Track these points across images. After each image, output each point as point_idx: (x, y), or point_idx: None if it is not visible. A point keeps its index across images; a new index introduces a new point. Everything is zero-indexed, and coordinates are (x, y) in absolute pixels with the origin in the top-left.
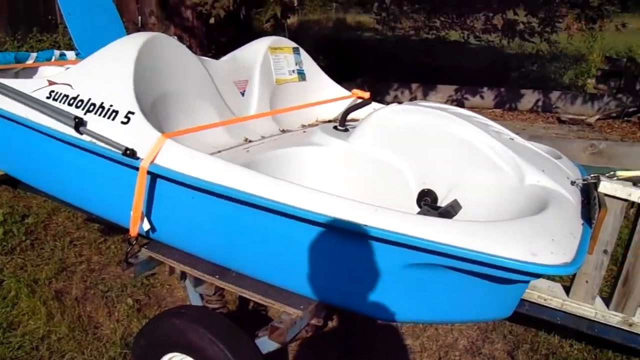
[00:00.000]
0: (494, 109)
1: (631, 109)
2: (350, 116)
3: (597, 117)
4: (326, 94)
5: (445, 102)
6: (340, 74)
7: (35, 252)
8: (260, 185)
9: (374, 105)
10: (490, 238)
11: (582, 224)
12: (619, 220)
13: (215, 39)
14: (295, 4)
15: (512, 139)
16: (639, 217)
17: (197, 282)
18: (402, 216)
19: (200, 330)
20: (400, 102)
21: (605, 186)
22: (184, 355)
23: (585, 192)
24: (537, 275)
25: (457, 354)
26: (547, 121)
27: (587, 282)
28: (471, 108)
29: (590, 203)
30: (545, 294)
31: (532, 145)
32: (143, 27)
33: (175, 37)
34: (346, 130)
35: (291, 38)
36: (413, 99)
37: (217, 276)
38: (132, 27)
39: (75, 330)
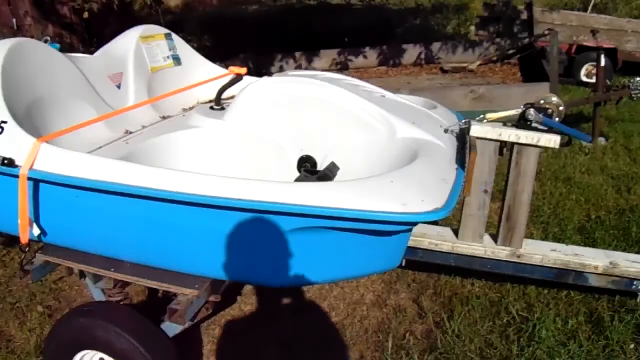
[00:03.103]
0: (378, 67)
1: (509, 51)
2: (229, 94)
3: (478, 62)
4: (204, 75)
5: (330, 66)
6: (226, 52)
7: None
8: (135, 174)
9: (248, 79)
10: (360, 194)
11: (457, 168)
12: (493, 160)
13: (97, 31)
14: None
15: (383, 96)
16: (512, 156)
17: (96, 278)
18: (273, 185)
19: (104, 324)
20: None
21: (476, 129)
22: (95, 352)
23: (462, 138)
24: (411, 224)
25: (365, 309)
26: (431, 72)
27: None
28: (356, 69)
29: (465, 148)
30: (436, 239)
31: (405, 100)
32: (19, 30)
33: (48, 39)
34: (222, 108)
35: (176, 21)
36: (298, 67)
37: (112, 269)
38: (8, 31)
39: None
